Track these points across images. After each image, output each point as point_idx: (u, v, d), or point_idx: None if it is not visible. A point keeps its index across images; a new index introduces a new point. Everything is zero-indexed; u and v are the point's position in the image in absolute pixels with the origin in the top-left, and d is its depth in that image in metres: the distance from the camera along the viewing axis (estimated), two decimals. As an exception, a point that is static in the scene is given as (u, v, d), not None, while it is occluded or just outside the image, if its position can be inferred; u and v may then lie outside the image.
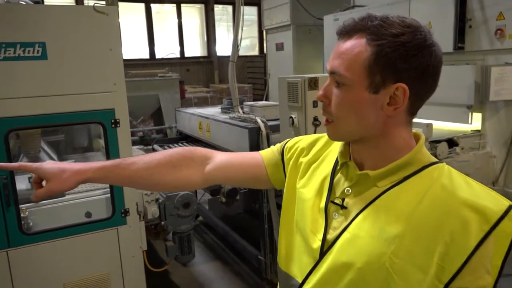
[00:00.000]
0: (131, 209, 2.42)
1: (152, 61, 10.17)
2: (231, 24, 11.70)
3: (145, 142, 4.80)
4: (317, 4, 6.18)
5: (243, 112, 3.12)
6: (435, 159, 0.87)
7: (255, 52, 11.94)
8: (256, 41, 11.93)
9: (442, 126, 3.83)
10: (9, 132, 2.08)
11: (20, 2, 2.41)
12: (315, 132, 2.24)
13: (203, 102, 7.73)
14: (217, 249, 3.94)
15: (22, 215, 2.19)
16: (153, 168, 1.09)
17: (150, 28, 10.35)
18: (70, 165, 1.08)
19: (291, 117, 2.28)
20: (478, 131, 3.17)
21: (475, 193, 0.79)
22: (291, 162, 1.06)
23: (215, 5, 11.13)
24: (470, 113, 3.11)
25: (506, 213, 0.75)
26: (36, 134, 2.68)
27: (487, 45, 3.16)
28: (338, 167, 0.94)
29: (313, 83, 2.16)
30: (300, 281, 0.91)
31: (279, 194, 2.89)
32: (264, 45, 7.76)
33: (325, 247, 0.87)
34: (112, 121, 2.30)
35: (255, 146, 2.81)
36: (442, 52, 0.82)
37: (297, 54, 6.44)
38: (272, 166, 1.10)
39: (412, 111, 0.85)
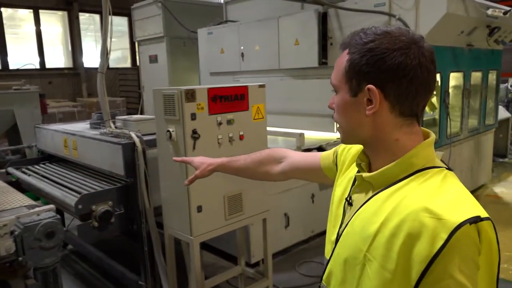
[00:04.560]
0: (-23, 246, 2.01)
1: (6, 72, 8.95)
2: (99, 34, 10.97)
3: (-2, 164, 4.11)
4: (191, 17, 6.18)
5: (116, 127, 2.88)
6: (436, 163, 0.89)
7: (128, 64, 11.41)
8: (128, 53, 11.41)
9: (312, 136, 4.12)
10: None
11: None
12: (194, 146, 2.17)
13: (70, 117, 7.05)
14: (91, 279, 3.56)
15: None
16: (248, 163, 1.46)
17: (2, 35, 9.11)
18: (207, 159, 1.52)
19: (168, 131, 2.17)
20: (342, 139, 3.47)
21: (445, 201, 0.80)
22: (344, 165, 1.15)
23: (80, 13, 10.32)
24: (334, 123, 3.38)
25: (467, 222, 0.76)
26: None
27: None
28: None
29: (190, 95, 2.09)
30: (325, 262, 1.07)
31: (158, 212, 2.72)
32: (137, 57, 7.43)
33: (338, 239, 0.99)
34: None
35: (131, 163, 2.61)
36: (427, 52, 0.86)
37: (172, 66, 6.32)
38: (328, 169, 1.25)
39: (402, 112, 0.89)
